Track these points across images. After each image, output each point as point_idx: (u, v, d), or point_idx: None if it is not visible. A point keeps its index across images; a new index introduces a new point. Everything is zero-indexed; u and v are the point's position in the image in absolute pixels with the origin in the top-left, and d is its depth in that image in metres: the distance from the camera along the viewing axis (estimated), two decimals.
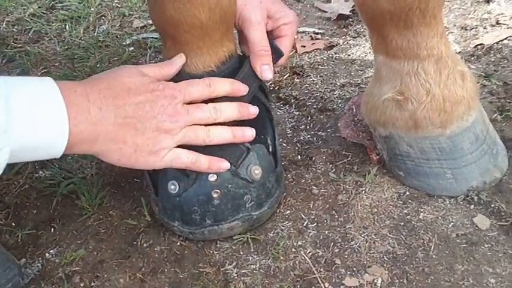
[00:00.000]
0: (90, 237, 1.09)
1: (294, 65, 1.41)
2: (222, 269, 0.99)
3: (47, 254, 1.07)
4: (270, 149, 1.07)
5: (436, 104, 1.02)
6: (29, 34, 1.63)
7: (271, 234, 1.04)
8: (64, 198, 1.16)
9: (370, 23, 1.05)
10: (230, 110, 0.97)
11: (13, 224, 1.13)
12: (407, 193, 1.07)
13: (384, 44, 1.04)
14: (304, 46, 1.47)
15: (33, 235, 1.10)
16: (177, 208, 1.02)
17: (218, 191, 1.00)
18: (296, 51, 1.45)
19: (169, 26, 0.99)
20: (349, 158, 1.15)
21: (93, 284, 1.00)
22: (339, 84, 1.34)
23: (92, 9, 1.68)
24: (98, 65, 1.48)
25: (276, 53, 1.06)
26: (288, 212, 1.07)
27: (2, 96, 0.73)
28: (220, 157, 0.99)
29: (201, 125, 0.95)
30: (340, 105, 1.28)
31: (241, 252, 1.02)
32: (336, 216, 1.05)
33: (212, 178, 1.00)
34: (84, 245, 1.07)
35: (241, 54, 1.10)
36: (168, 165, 0.95)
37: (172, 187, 1.01)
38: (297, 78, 1.37)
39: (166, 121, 0.91)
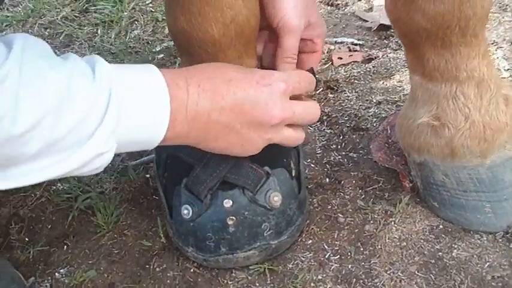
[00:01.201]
0: (102, 257, 1.04)
1: (328, 78, 1.33)
2: None
3: (56, 274, 1.02)
4: (293, 173, 1.00)
5: (476, 131, 0.94)
6: (60, 38, 1.59)
7: (290, 266, 0.97)
8: (80, 213, 1.12)
9: (406, 41, 0.97)
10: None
11: (26, 239, 1.09)
12: (441, 226, 0.98)
13: (420, 64, 0.96)
14: (341, 58, 1.39)
15: (45, 252, 1.06)
16: (191, 233, 0.96)
17: (234, 218, 0.93)
18: (332, 63, 1.38)
19: (182, 39, 0.93)
20: (380, 184, 1.07)
21: None
22: (375, 101, 1.25)
23: (125, 13, 1.64)
24: None
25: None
26: (310, 241, 1.00)
27: (116, 91, 0.70)
28: (237, 182, 0.93)
29: None
30: (374, 125, 1.20)
31: (257, 284, 0.95)
32: (361, 249, 0.97)
33: (227, 204, 0.93)
34: (95, 266, 1.02)
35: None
36: None
37: (186, 212, 0.95)
38: (331, 93, 1.29)
39: (266, 123, 0.84)
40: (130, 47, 1.53)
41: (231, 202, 0.93)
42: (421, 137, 0.97)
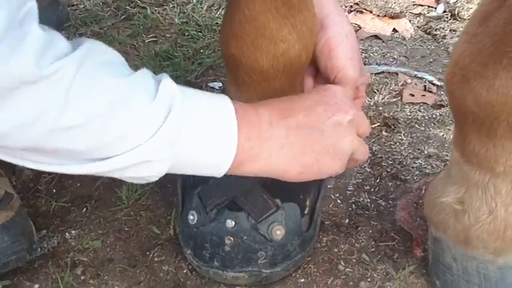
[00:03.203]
0: (112, 231, 1.08)
1: (389, 115, 1.29)
2: None
3: (67, 233, 1.08)
4: (306, 211, 1.00)
5: (495, 228, 0.90)
6: None
7: None
8: (109, 180, 1.16)
9: (454, 115, 0.93)
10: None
11: (54, 191, 1.15)
12: None
13: (461, 143, 0.92)
14: (412, 95, 1.35)
15: (65, 209, 1.12)
16: (192, 238, 0.99)
17: (232, 238, 0.95)
18: (401, 99, 1.34)
19: (231, 62, 0.93)
20: (394, 243, 1.05)
21: (90, 281, 1.01)
22: (426, 152, 1.21)
23: None
24: (202, 51, 1.45)
25: None
26: (303, 280, 1.00)
27: (177, 108, 0.71)
28: (243, 206, 0.95)
29: None
30: (415, 178, 1.17)
31: None
32: None
33: (229, 224, 0.95)
34: (103, 237, 1.07)
35: None
36: None
37: (191, 217, 0.98)
38: (385, 132, 1.26)
39: (342, 119, 0.84)
40: (216, 24, 1.54)
41: (234, 223, 0.95)
42: (441, 214, 0.94)
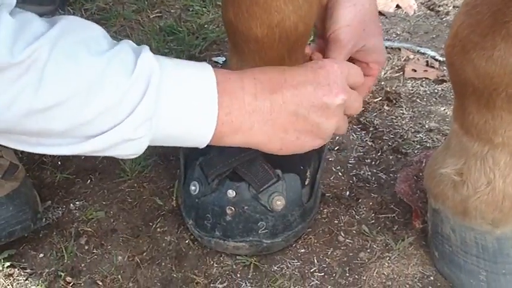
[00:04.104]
0: (115, 202, 1.10)
1: (391, 89, 1.30)
2: (211, 286, 0.97)
3: (71, 204, 1.10)
4: (306, 182, 1.01)
5: (493, 199, 0.91)
6: None
7: (275, 268, 0.99)
8: None
9: (454, 87, 0.94)
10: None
11: (58, 163, 1.17)
12: (432, 278, 0.97)
13: (461, 114, 0.93)
14: (415, 70, 1.35)
15: (70, 180, 1.14)
16: (194, 208, 1.00)
17: (233, 208, 0.96)
18: (403, 74, 1.34)
19: (229, 30, 0.94)
20: (394, 215, 1.06)
21: (94, 251, 1.03)
22: (427, 127, 1.22)
23: None
24: (206, 26, 1.46)
25: None
26: (303, 250, 1.01)
27: (154, 82, 0.71)
28: (245, 176, 0.96)
29: None
30: (415, 152, 1.17)
31: (239, 275, 0.98)
32: (347, 274, 0.98)
33: (231, 194, 0.96)
34: (106, 208, 1.09)
35: None
36: None
37: (193, 188, 0.99)
38: (387, 106, 1.26)
39: (331, 103, 0.81)
40: None
41: (235, 193, 0.96)
42: (440, 185, 0.95)
